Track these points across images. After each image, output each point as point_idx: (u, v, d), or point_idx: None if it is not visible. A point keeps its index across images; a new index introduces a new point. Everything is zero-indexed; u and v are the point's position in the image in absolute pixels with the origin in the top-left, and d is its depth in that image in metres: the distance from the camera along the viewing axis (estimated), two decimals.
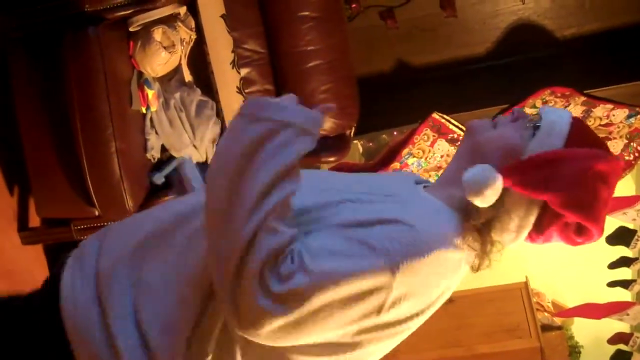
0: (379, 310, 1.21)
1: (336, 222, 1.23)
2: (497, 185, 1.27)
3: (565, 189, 1.27)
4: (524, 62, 4.11)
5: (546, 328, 4.45)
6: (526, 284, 4.46)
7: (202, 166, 3.15)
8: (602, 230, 1.33)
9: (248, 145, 1.17)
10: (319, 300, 1.15)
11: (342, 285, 1.15)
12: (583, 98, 3.70)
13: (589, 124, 3.72)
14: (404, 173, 1.59)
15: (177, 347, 1.26)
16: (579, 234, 1.33)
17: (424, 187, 1.45)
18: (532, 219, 1.33)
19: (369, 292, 1.18)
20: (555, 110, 1.42)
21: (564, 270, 4.88)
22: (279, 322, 1.13)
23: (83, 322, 1.29)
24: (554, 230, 1.34)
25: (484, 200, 1.27)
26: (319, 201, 1.29)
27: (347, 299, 1.17)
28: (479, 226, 1.31)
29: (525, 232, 1.35)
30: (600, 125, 3.75)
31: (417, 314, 1.29)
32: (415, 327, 1.33)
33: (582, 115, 3.71)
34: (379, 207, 1.28)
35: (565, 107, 3.69)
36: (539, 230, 1.35)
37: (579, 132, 1.37)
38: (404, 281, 1.20)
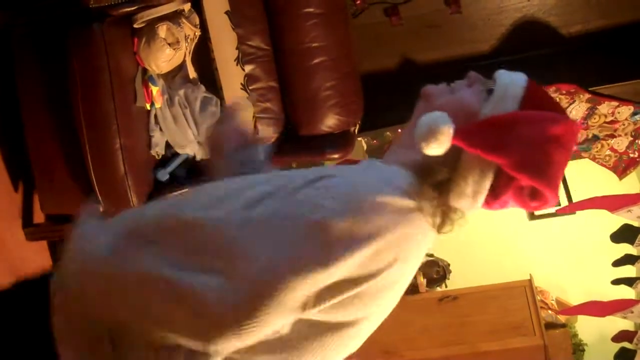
0: (322, 264, 1.16)
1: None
2: (446, 132, 1.26)
3: (518, 151, 1.26)
4: (529, 59, 4.10)
5: (550, 326, 4.45)
6: (530, 281, 4.46)
7: (205, 163, 3.15)
8: (556, 194, 1.31)
9: None
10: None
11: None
12: (588, 95, 3.70)
13: (593, 120, 3.73)
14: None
15: None
16: (533, 197, 1.31)
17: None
18: (487, 183, 1.31)
19: (305, 246, 1.17)
20: (509, 73, 1.41)
21: (568, 268, 4.88)
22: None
23: None
24: (509, 194, 1.32)
25: (431, 145, 1.27)
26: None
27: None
28: (435, 184, 1.29)
29: (482, 197, 1.32)
30: (605, 122, 3.75)
31: (378, 272, 1.22)
32: (389, 282, 1.26)
33: (587, 112, 3.72)
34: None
35: (570, 104, 3.69)
36: (494, 195, 1.32)
37: (534, 95, 1.36)
38: (345, 228, 1.17)
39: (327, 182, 1.23)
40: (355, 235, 1.17)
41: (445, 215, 1.31)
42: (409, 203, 1.25)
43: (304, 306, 1.18)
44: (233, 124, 1.65)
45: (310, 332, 1.24)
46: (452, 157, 1.30)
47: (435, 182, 1.30)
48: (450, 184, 1.31)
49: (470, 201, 1.32)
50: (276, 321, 1.17)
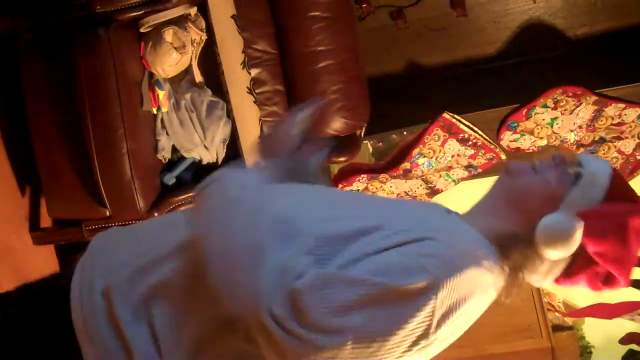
0: (426, 332, 1.19)
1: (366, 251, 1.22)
2: (579, 234, 1.30)
3: (609, 243, 1.31)
4: (535, 61, 4.10)
5: (557, 328, 4.44)
6: None
7: (212, 167, 3.16)
8: (629, 282, 1.37)
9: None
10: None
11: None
12: (595, 97, 3.69)
13: (600, 123, 3.72)
14: (432, 203, 1.58)
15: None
16: (607, 283, 1.37)
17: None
18: (563, 264, 1.35)
19: (414, 317, 1.17)
20: (595, 159, 1.44)
21: None
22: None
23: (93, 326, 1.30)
24: (583, 277, 1.37)
25: (563, 249, 1.31)
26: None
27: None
28: (514, 266, 1.33)
29: (553, 276, 1.37)
30: (612, 124, 3.74)
31: (446, 335, 1.26)
32: (439, 349, 1.30)
33: (593, 114, 3.71)
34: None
35: (577, 106, 3.68)
36: (567, 275, 1.37)
37: (618, 186, 1.40)
38: (447, 297, 1.19)
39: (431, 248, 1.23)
40: (453, 311, 1.21)
41: (512, 289, 1.35)
42: (490, 277, 1.28)
43: None
44: (291, 128, 1.62)
45: None
46: (531, 233, 1.33)
47: (514, 262, 1.33)
48: (526, 260, 1.34)
49: (541, 278, 1.37)
50: None
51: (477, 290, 1.25)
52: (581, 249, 1.33)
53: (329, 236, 1.24)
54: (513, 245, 1.33)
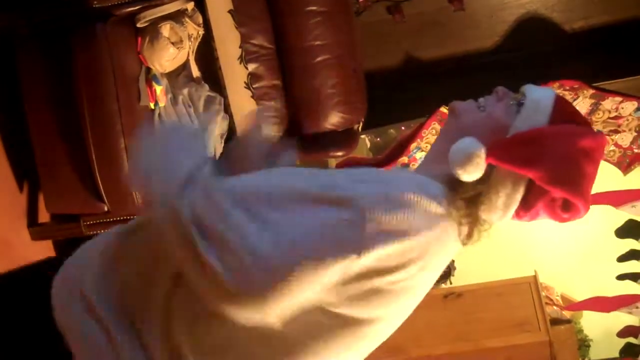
0: (355, 249, 1.18)
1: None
2: (481, 157, 1.29)
3: (551, 165, 1.29)
4: (532, 55, 4.10)
5: (555, 322, 4.45)
6: (535, 277, 4.45)
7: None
8: (588, 206, 1.34)
9: None
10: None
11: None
12: (592, 91, 3.69)
13: (597, 116, 3.72)
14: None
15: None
16: (566, 209, 1.34)
17: None
18: (518, 196, 1.33)
19: (341, 229, 1.18)
20: (538, 87, 1.43)
21: (572, 263, 4.87)
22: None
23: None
24: (541, 206, 1.35)
25: (468, 171, 1.29)
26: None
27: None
28: (467, 200, 1.32)
29: (512, 209, 1.35)
30: (609, 118, 3.75)
31: (401, 266, 1.24)
32: (403, 291, 1.29)
33: (590, 108, 3.71)
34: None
35: (574, 99, 3.68)
36: (525, 207, 1.35)
37: (563, 109, 1.39)
38: (381, 217, 1.19)
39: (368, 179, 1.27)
40: (392, 228, 1.20)
41: (473, 226, 1.34)
42: (439, 209, 1.27)
43: (331, 289, 1.21)
44: (255, 138, 1.62)
45: (327, 322, 1.25)
46: (485, 172, 1.32)
47: (467, 197, 1.32)
48: (480, 196, 1.34)
49: (501, 214, 1.35)
50: (302, 294, 1.18)
51: (423, 217, 1.24)
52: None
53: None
54: (468, 186, 1.32)
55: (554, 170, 1.29)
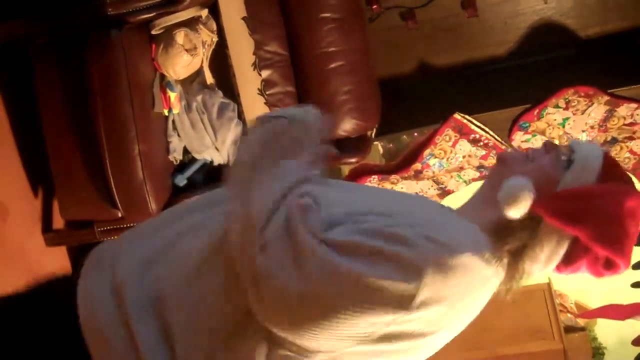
0: (404, 310, 1.19)
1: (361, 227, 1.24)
2: (529, 198, 1.31)
3: (598, 225, 1.30)
4: (547, 61, 4.08)
5: (569, 329, 4.42)
6: (549, 285, 4.43)
7: (224, 168, 3.16)
8: (629, 264, 1.36)
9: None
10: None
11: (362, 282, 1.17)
12: (606, 97, 3.67)
13: (612, 123, 3.71)
14: (428, 199, 1.63)
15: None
16: (607, 267, 1.36)
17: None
18: (562, 251, 1.35)
19: (394, 287, 1.18)
20: (586, 144, 1.45)
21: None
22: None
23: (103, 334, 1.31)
24: (583, 263, 1.37)
25: (515, 209, 1.31)
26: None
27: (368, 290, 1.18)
28: (512, 251, 1.34)
29: (554, 264, 1.37)
30: (624, 124, 3.73)
31: (441, 327, 1.28)
32: (443, 341, 1.33)
33: (605, 114, 3.69)
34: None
35: (589, 106, 3.67)
36: (567, 262, 1.37)
37: (611, 167, 1.41)
38: (434, 281, 1.19)
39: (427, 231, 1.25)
40: (446, 294, 1.22)
41: (512, 280, 1.37)
42: (490, 269, 1.29)
43: (366, 339, 1.21)
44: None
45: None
46: (531, 222, 1.34)
47: (512, 249, 1.34)
48: (525, 248, 1.35)
49: (542, 266, 1.37)
50: (336, 344, 1.21)
51: (474, 281, 1.26)
52: None
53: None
54: (510, 234, 1.34)
55: (600, 229, 1.30)
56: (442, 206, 1.49)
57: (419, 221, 1.27)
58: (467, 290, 1.26)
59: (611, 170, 1.40)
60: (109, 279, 1.37)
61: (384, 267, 1.18)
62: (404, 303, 1.18)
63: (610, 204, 1.32)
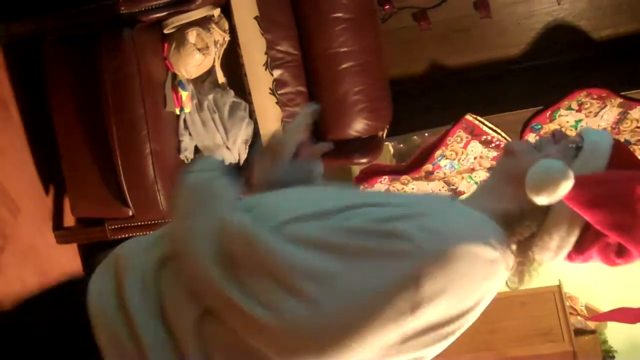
0: (412, 308, 1.16)
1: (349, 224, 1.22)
2: (569, 182, 1.26)
3: (611, 210, 1.27)
4: (559, 63, 4.07)
5: (579, 332, 4.41)
6: (559, 287, 4.42)
7: (235, 167, 3.16)
8: None
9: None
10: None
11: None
12: (620, 100, 3.65)
13: (625, 125, 3.69)
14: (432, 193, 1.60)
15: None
16: (620, 255, 1.33)
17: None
18: (573, 239, 1.33)
19: (397, 288, 1.14)
20: (595, 130, 1.43)
21: (597, 273, 4.82)
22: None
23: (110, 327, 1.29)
24: (595, 250, 1.34)
25: (548, 195, 1.27)
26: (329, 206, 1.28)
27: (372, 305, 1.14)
28: (521, 240, 1.32)
29: (565, 252, 1.35)
30: (637, 127, 3.71)
31: (457, 317, 1.23)
32: (457, 333, 1.28)
33: (618, 117, 3.67)
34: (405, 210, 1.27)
35: (602, 108, 3.65)
36: (579, 250, 1.35)
37: (621, 153, 1.39)
38: (437, 274, 1.16)
39: (425, 222, 1.21)
40: (449, 285, 1.17)
41: (523, 269, 1.34)
42: (495, 256, 1.24)
43: (388, 349, 1.18)
44: (298, 134, 1.61)
45: None
46: (541, 211, 1.32)
47: (522, 239, 1.32)
48: (534, 237, 1.34)
49: (553, 255, 1.35)
50: (360, 354, 1.16)
51: (481, 270, 1.22)
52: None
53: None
54: (519, 222, 1.32)
55: (613, 215, 1.27)
56: (445, 197, 1.48)
57: (414, 212, 1.24)
58: (477, 278, 1.21)
59: (622, 156, 1.38)
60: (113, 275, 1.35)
61: (378, 267, 1.15)
62: (411, 302, 1.15)
63: (623, 190, 1.29)
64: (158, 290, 1.28)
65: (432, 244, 1.17)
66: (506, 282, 1.34)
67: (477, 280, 1.22)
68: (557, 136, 1.42)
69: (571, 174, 1.27)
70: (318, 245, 1.17)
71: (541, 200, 1.28)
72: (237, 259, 1.17)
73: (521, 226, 1.32)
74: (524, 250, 1.33)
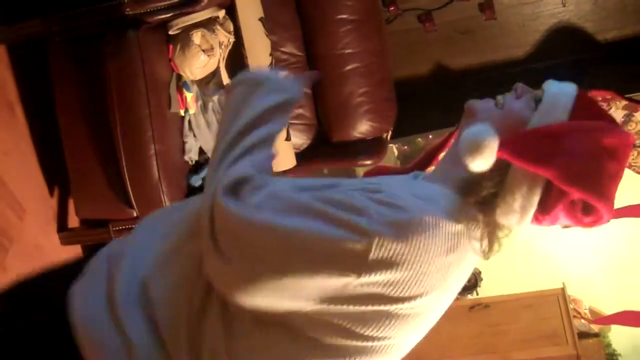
0: (356, 269, 1.13)
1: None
2: (492, 146, 1.22)
3: (568, 163, 1.20)
4: (564, 65, 4.07)
5: (583, 335, 4.41)
6: (563, 290, 4.41)
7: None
8: (611, 209, 1.24)
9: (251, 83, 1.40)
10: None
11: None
12: (625, 102, 3.65)
13: (630, 128, 3.68)
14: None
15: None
16: (586, 213, 1.26)
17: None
18: (536, 198, 1.26)
19: (345, 244, 1.12)
20: (559, 83, 1.37)
21: (601, 276, 4.82)
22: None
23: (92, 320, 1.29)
24: (560, 209, 1.26)
25: (479, 158, 1.23)
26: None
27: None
28: (480, 201, 1.26)
29: (530, 213, 1.27)
30: None
31: (422, 294, 1.18)
32: (426, 313, 1.23)
33: (623, 119, 3.67)
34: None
35: (607, 110, 3.65)
36: (544, 210, 1.27)
37: (585, 105, 1.31)
38: (388, 241, 1.12)
39: (381, 197, 1.19)
40: (402, 258, 1.14)
41: (492, 237, 1.27)
42: (454, 227, 1.20)
43: (328, 302, 1.16)
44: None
45: (333, 327, 1.20)
46: (499, 171, 1.26)
47: (480, 199, 1.26)
48: (496, 199, 1.27)
49: (518, 217, 1.27)
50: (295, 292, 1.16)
51: (437, 240, 1.16)
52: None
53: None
54: (481, 187, 1.26)
55: (571, 168, 1.20)
56: (408, 175, 1.43)
57: (374, 187, 1.21)
58: (434, 252, 1.16)
59: (586, 107, 1.31)
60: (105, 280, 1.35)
61: (334, 227, 1.13)
62: (357, 262, 1.12)
63: (584, 141, 1.22)
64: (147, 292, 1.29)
65: (390, 215, 1.14)
66: (482, 253, 1.27)
67: (437, 253, 1.17)
68: (520, 91, 1.37)
69: (492, 136, 1.22)
70: (292, 208, 1.18)
71: (475, 166, 1.24)
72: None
73: (483, 189, 1.26)
74: (490, 215, 1.26)
